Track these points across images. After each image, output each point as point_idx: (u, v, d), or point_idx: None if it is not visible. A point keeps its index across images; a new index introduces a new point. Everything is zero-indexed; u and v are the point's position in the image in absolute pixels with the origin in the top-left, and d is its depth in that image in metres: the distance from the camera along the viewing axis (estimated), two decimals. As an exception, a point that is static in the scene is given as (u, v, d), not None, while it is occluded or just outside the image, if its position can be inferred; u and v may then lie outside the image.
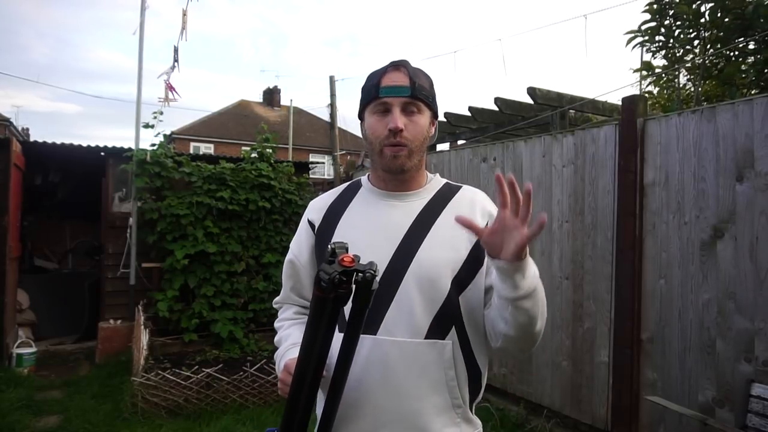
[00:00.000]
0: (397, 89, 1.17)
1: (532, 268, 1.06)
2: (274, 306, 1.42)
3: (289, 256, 1.34)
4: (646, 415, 3.03)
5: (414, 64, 1.24)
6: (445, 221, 1.21)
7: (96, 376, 4.67)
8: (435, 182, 1.30)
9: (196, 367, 4.10)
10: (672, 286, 2.92)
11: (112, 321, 5.29)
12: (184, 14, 5.68)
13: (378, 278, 0.95)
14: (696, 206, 2.82)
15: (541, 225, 0.97)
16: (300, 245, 1.31)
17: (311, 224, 1.30)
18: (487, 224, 1.21)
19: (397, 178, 1.23)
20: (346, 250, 0.97)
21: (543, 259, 3.71)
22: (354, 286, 0.94)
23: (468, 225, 1.03)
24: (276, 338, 1.35)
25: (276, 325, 1.38)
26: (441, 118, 5.89)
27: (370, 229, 1.21)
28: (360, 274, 0.93)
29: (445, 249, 1.18)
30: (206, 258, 5.29)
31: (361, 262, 0.95)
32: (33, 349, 4.89)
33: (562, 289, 3.58)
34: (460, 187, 1.32)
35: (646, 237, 3.07)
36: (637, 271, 3.08)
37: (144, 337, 4.45)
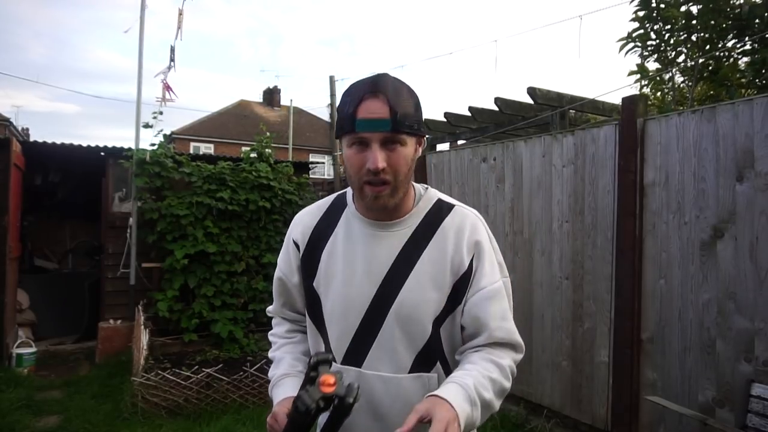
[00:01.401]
0: (376, 123, 1.02)
1: (477, 419, 1.02)
2: (268, 314, 1.39)
3: (278, 274, 1.29)
4: (646, 415, 3.03)
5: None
6: (429, 257, 1.14)
7: (96, 376, 4.67)
8: (424, 202, 1.19)
9: (196, 367, 4.10)
10: (672, 286, 2.92)
11: (112, 321, 5.29)
12: (180, 14, 5.68)
13: (357, 404, 0.93)
14: (696, 206, 2.82)
15: None
16: (289, 265, 1.26)
17: (296, 245, 1.24)
18: (471, 261, 1.15)
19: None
20: (330, 364, 0.95)
21: (543, 259, 3.72)
22: (332, 407, 0.92)
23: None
24: (270, 353, 1.33)
25: (270, 338, 1.36)
26: (441, 118, 5.89)
27: (352, 264, 1.16)
28: (339, 399, 0.91)
29: (428, 289, 1.13)
30: (206, 258, 5.29)
31: (342, 380, 0.92)
32: (33, 349, 4.89)
33: (562, 289, 3.57)
34: (452, 208, 1.20)
35: (646, 237, 3.07)
36: (637, 271, 3.08)
37: (144, 337, 4.45)
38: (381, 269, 1.14)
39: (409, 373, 1.13)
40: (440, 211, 1.19)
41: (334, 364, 1.07)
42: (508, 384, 1.14)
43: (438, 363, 1.16)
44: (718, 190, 2.72)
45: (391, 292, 1.13)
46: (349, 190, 1.24)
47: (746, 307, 2.58)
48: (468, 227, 1.17)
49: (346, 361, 1.15)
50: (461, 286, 1.14)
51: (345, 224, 1.20)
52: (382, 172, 1.04)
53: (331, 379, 0.91)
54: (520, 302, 3.84)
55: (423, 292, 1.12)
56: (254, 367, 4.03)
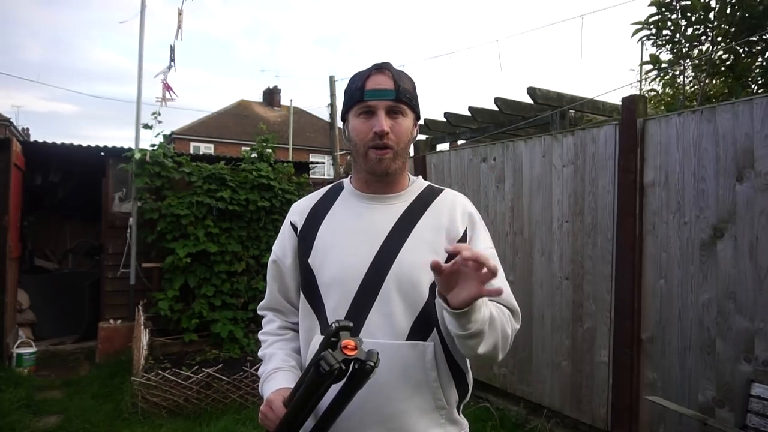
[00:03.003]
0: (382, 92, 1.17)
1: (481, 313, 1.04)
2: (259, 312, 1.39)
3: (272, 258, 1.33)
4: (646, 415, 3.03)
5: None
6: (425, 224, 1.21)
7: (96, 376, 4.67)
8: (417, 185, 1.29)
9: (196, 367, 4.10)
10: (672, 286, 2.92)
11: (112, 321, 5.30)
12: (180, 13, 5.68)
13: (377, 369, 0.95)
14: (696, 206, 2.82)
15: (498, 292, 0.98)
16: (283, 248, 1.30)
17: (293, 226, 1.29)
18: (466, 230, 1.22)
19: (379, 181, 1.23)
20: (350, 331, 0.96)
21: (543, 259, 3.72)
22: (351, 370, 0.94)
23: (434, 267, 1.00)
24: (260, 352, 1.32)
25: (260, 337, 1.35)
26: (441, 118, 5.90)
27: (351, 233, 1.21)
28: (360, 363, 0.93)
29: (425, 252, 1.17)
30: (206, 258, 5.29)
31: (362, 346, 0.94)
32: (33, 349, 4.89)
33: (562, 289, 3.57)
34: (442, 189, 1.31)
35: (646, 237, 3.07)
36: (637, 271, 3.08)
37: (144, 337, 4.45)
38: (379, 235, 1.20)
39: (407, 340, 1.14)
40: (432, 191, 1.30)
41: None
42: (509, 329, 1.17)
43: (435, 331, 1.17)
44: (718, 190, 2.72)
45: (389, 255, 1.17)
46: (344, 180, 1.33)
47: (746, 307, 2.58)
48: (460, 202, 1.28)
49: None
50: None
51: (342, 201, 1.28)
52: (386, 136, 1.16)
53: (353, 343, 0.93)
54: (520, 302, 3.82)
55: (421, 254, 1.17)
56: (254, 367, 4.03)
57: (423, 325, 1.15)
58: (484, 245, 1.23)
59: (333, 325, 0.96)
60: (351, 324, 0.97)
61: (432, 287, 1.16)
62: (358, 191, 1.27)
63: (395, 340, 1.14)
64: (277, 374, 1.21)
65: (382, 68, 1.20)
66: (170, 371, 3.90)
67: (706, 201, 2.77)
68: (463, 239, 1.21)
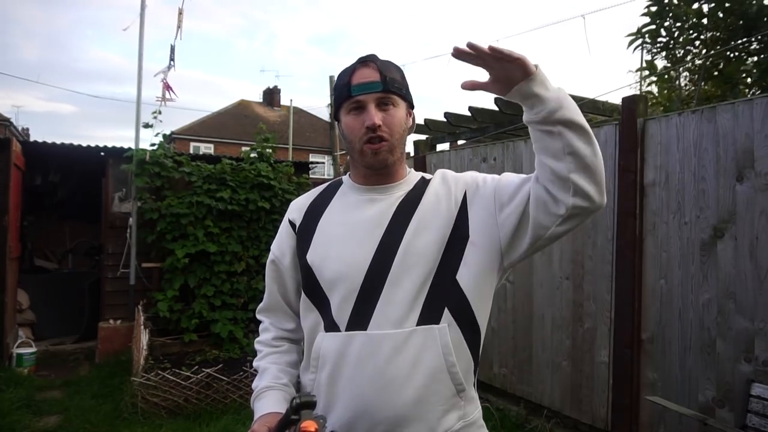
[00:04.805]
0: (369, 85, 1.15)
1: (549, 81, 1.07)
2: (257, 316, 1.36)
3: (270, 257, 1.30)
4: (646, 415, 3.03)
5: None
6: (425, 206, 1.19)
7: (96, 376, 4.67)
8: (413, 176, 1.28)
9: (196, 367, 4.10)
10: (672, 286, 2.92)
11: (112, 321, 5.30)
12: (180, 13, 5.68)
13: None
14: (696, 206, 2.82)
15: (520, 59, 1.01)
16: (282, 247, 1.28)
17: (292, 224, 1.27)
18: (465, 194, 1.21)
19: (378, 173, 1.21)
20: (314, 407, 0.89)
21: (543, 259, 3.71)
22: None
23: (472, 87, 1.06)
24: (255, 362, 1.31)
25: (256, 346, 1.33)
26: (441, 118, 5.88)
27: (351, 225, 1.19)
28: None
29: (429, 232, 1.16)
30: (206, 258, 5.29)
31: (324, 428, 0.88)
32: (33, 349, 4.89)
33: (562, 289, 3.57)
34: (432, 176, 1.31)
35: (647, 237, 3.07)
36: (637, 271, 3.08)
37: (144, 337, 4.45)
38: (381, 224, 1.17)
39: (418, 325, 1.11)
40: (424, 179, 1.29)
41: (316, 405, 0.99)
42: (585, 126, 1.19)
43: (446, 311, 1.13)
44: (718, 190, 2.72)
45: (393, 242, 1.15)
46: (343, 176, 1.31)
47: (746, 307, 2.58)
48: (449, 175, 1.27)
49: (350, 327, 1.12)
50: (461, 226, 1.18)
51: (341, 196, 1.27)
52: (379, 128, 1.14)
53: (312, 427, 0.86)
54: (520, 302, 3.85)
55: (425, 236, 1.16)
56: (254, 368, 4.02)
57: (433, 308, 1.12)
58: (492, 180, 1.22)
59: (294, 401, 0.89)
60: (314, 399, 0.90)
61: (442, 263, 1.13)
62: (356, 184, 1.25)
63: (405, 327, 1.10)
64: (267, 394, 1.21)
65: (366, 61, 1.19)
66: (170, 371, 3.90)
67: (706, 201, 2.77)
68: (464, 203, 1.20)
